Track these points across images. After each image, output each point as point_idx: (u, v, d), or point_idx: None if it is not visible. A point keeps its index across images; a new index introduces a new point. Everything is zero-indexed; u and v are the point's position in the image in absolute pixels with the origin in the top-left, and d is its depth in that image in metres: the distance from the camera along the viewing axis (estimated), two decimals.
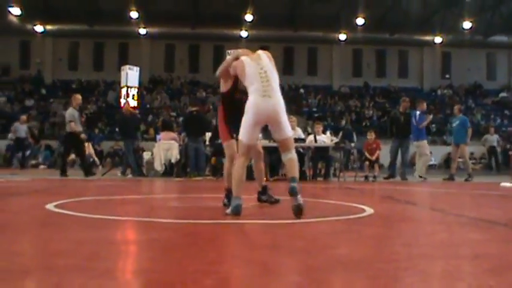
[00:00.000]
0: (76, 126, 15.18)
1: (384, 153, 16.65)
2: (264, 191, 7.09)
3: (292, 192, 5.52)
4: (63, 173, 15.41)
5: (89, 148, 24.50)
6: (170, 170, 16.59)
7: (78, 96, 16.12)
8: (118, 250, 3.82)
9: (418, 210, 7.24)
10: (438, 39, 38.14)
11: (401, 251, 3.88)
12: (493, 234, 4.96)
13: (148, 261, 3.40)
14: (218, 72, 6.57)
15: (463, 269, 3.31)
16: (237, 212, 5.62)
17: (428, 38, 38.68)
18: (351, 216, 5.74)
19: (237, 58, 6.35)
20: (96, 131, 32.53)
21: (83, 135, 15.49)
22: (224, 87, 6.71)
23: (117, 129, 24.63)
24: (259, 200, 7.06)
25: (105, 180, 14.47)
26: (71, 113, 15.33)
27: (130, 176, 16.22)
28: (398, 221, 5.72)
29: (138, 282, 2.83)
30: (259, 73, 5.98)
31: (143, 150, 19.28)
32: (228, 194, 6.47)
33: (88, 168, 15.77)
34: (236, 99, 6.62)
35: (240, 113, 6.02)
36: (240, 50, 6.58)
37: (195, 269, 3.03)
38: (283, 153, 6.06)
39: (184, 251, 3.72)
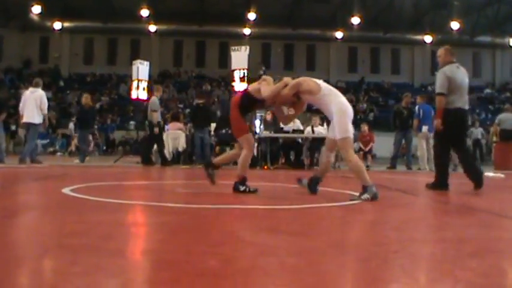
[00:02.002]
0: (157, 116, 15.14)
1: (377, 145, 16.65)
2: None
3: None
4: (148, 160, 15.11)
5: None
6: (177, 158, 16.61)
7: (160, 87, 16.07)
8: (129, 232, 3.83)
9: (408, 198, 7.25)
10: (428, 38, 38.06)
11: (391, 235, 3.89)
12: (476, 220, 4.97)
13: (157, 243, 3.41)
14: (269, 94, 6.49)
15: (448, 252, 3.32)
16: (376, 197, 5.85)
17: (418, 37, 38.60)
18: (346, 203, 5.75)
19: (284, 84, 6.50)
20: (109, 121, 32.57)
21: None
22: (259, 94, 6.61)
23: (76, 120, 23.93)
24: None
25: (117, 167, 14.48)
26: (155, 102, 15.12)
27: (77, 161, 16.08)
28: (390, 208, 5.72)
29: (147, 262, 2.84)
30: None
31: None
32: (242, 181, 6.53)
33: (164, 157, 15.34)
34: (255, 107, 7.05)
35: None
36: (285, 78, 6.62)
37: (200, 250, 3.04)
38: (333, 151, 6.63)
39: (191, 233, 3.72)
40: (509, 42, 38.92)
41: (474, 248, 3.39)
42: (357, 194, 6.00)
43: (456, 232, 4.19)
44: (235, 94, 7.04)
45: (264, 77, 6.83)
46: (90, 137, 22.52)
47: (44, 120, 13.89)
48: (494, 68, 42.68)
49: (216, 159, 7.19)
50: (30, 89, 14.06)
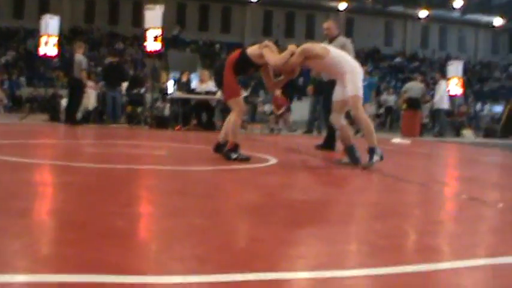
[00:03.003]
0: (85, 75, 14.56)
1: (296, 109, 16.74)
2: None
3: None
4: (73, 121, 14.05)
5: None
6: (87, 116, 16.23)
7: (83, 44, 15.49)
8: (34, 191, 3.74)
9: (317, 162, 7.40)
10: (343, 6, 38.58)
11: (299, 198, 3.98)
12: (381, 184, 5.16)
13: (62, 203, 3.35)
14: (278, 63, 6.09)
15: (355, 215, 3.45)
16: (382, 158, 5.92)
17: (333, 4, 39.05)
18: (255, 165, 5.82)
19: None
20: (14, 77, 31.38)
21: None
22: (259, 59, 6.17)
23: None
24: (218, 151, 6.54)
25: (24, 125, 14.03)
26: (83, 60, 14.33)
27: None
28: (298, 171, 5.84)
29: (51, 222, 2.79)
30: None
31: (61, 97, 18.73)
32: (234, 148, 6.07)
33: (74, 117, 14.34)
34: (250, 71, 6.61)
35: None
36: (290, 46, 6.19)
37: (106, 211, 3.02)
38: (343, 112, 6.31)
39: (98, 193, 3.68)
40: (419, 14, 40.08)
41: (378, 211, 3.53)
42: (275, 159, 6.07)
43: (363, 196, 4.34)
44: (231, 54, 6.54)
45: (266, 42, 6.32)
46: None
47: None
48: (405, 38, 43.93)
49: (220, 138, 6.55)
50: None
